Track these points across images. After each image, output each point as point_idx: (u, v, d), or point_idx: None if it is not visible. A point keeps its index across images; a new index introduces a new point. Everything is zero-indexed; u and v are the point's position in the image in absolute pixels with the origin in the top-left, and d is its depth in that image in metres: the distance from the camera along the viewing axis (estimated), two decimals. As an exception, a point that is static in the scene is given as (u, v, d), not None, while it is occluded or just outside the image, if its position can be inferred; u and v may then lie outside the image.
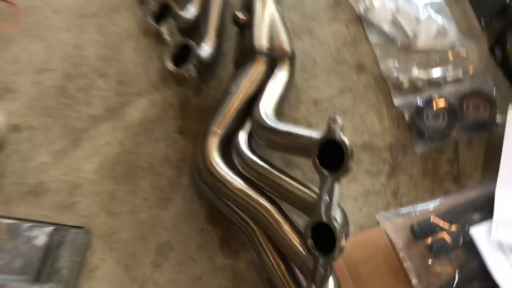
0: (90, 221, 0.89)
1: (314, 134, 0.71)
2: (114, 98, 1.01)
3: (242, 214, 0.81)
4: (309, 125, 0.93)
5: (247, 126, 0.86)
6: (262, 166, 0.79)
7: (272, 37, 0.90)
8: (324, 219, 0.66)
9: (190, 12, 0.99)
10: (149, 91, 1.00)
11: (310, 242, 0.68)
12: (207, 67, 0.95)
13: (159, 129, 0.96)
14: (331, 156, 0.67)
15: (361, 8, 1.00)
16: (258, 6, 0.91)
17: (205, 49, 0.93)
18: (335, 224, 0.65)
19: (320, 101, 0.95)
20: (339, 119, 0.66)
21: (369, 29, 0.98)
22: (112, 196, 0.91)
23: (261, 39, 0.89)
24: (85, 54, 1.06)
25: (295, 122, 0.94)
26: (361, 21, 1.00)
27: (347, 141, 0.65)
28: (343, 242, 0.65)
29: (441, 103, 0.87)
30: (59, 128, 0.98)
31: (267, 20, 0.90)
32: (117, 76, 1.03)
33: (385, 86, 0.94)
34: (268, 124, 0.79)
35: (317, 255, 0.67)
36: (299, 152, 0.76)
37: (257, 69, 0.87)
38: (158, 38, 1.00)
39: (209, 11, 0.98)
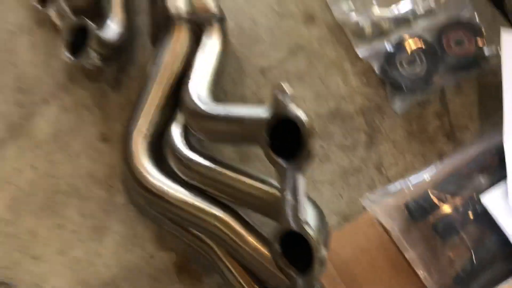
0: (12, 273, 0.72)
1: (262, 112, 0.52)
2: (15, 111, 0.81)
3: (194, 231, 0.64)
4: (261, 102, 0.75)
5: (181, 117, 0.67)
6: (205, 166, 0.61)
7: (191, -3, 0.70)
8: (293, 226, 0.49)
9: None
10: (57, 95, 0.81)
11: (281, 259, 0.51)
12: (118, 51, 0.75)
13: (77, 141, 0.78)
14: (289, 137, 0.49)
15: None
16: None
17: (112, 28, 0.73)
18: (308, 230, 0.48)
19: (268, 69, 0.77)
20: (286, 87, 0.48)
21: (312, -31, 0.79)
22: (33, 235, 0.74)
23: (177, 1, 0.69)
24: (-31, 64, 0.85)
25: (243, 100, 0.76)
26: (301, -40, 0.81)
27: (302, 115, 0.47)
28: (322, 252, 0.48)
29: (415, 43, 0.69)
30: (-48, 163, 0.79)
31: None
32: (14, 83, 0.82)
33: (343, 35, 0.76)
34: (202, 109, 0.60)
35: (294, 275, 0.50)
36: (248, 140, 0.58)
37: (178, 41, 0.68)
38: (55, 27, 0.80)
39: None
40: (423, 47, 0.70)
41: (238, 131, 0.56)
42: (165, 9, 0.69)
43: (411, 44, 0.70)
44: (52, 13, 0.72)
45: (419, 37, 0.71)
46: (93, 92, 0.80)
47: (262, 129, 0.49)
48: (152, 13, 0.75)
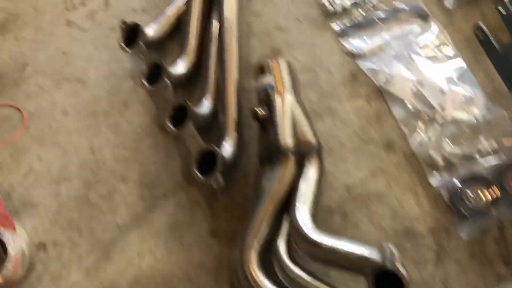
0: None
1: (366, 252, 0.68)
2: (139, 203, 0.98)
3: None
4: (345, 214, 0.90)
5: (284, 231, 0.83)
6: (306, 280, 0.77)
7: (296, 131, 0.87)
8: None
9: (206, 107, 0.96)
10: (174, 191, 0.97)
11: None
12: (232, 166, 0.92)
13: (190, 233, 0.93)
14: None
15: (380, 81, 0.96)
16: (277, 100, 0.88)
17: (228, 149, 0.90)
18: None
19: (352, 186, 0.92)
20: (393, 248, 0.63)
21: (391, 103, 0.95)
22: (154, 311, 0.88)
23: (286, 136, 0.85)
24: (102, 158, 1.03)
25: (330, 211, 0.90)
26: (383, 95, 0.96)
27: (404, 272, 0.62)
28: None
29: (486, 195, 0.83)
30: (87, 242, 0.96)
31: (288, 114, 0.87)
32: (138, 178, 1.00)
33: (417, 164, 0.90)
34: (309, 237, 0.76)
35: None
36: (347, 269, 0.73)
37: (286, 169, 0.84)
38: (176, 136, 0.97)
39: (225, 104, 0.95)
40: (488, 189, 0.84)
41: (343, 263, 0.72)
42: (277, 143, 0.85)
43: (482, 193, 0.83)
44: (184, 135, 0.89)
45: (483, 177, 0.84)
46: (204, 192, 0.95)
47: (370, 272, 0.65)
48: (262, 140, 0.91)
